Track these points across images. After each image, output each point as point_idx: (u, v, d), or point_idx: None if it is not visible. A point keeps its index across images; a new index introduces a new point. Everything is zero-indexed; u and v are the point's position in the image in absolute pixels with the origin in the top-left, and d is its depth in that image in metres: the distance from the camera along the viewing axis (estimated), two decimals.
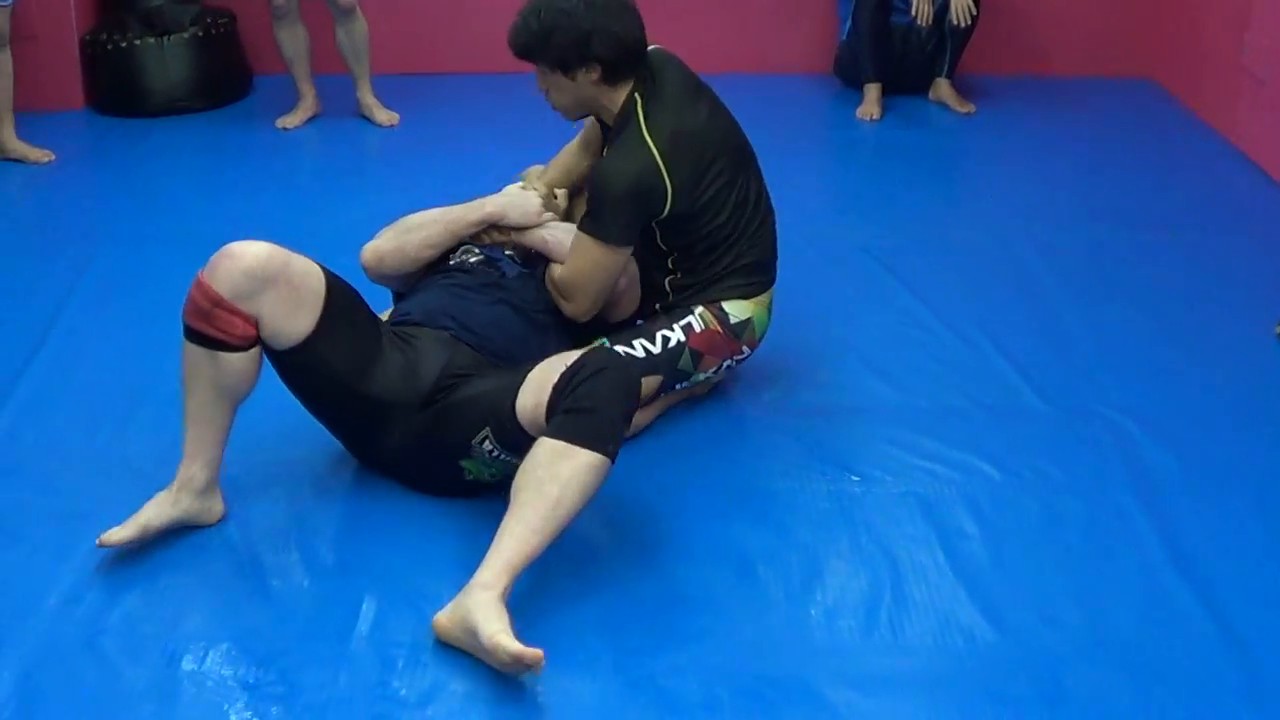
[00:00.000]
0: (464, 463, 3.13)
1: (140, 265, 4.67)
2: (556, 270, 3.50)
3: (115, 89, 6.47)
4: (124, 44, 6.38)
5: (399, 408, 3.14)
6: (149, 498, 3.07)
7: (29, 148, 5.81)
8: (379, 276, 3.68)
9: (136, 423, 3.60)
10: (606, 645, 2.77)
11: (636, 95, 3.42)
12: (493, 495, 3.11)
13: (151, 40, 6.38)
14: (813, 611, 2.90)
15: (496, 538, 2.77)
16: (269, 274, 2.97)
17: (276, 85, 6.46)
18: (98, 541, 2.94)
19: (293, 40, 6.09)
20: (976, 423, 3.64)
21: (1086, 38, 7.05)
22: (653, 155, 3.35)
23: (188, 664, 2.72)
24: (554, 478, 2.77)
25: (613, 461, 2.82)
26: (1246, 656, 2.79)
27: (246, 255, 2.97)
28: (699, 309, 3.54)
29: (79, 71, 6.53)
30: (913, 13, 6.25)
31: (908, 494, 3.31)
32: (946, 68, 6.50)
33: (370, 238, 4.01)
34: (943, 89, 6.53)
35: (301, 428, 3.46)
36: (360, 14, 6.07)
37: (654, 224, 3.46)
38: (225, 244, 3.02)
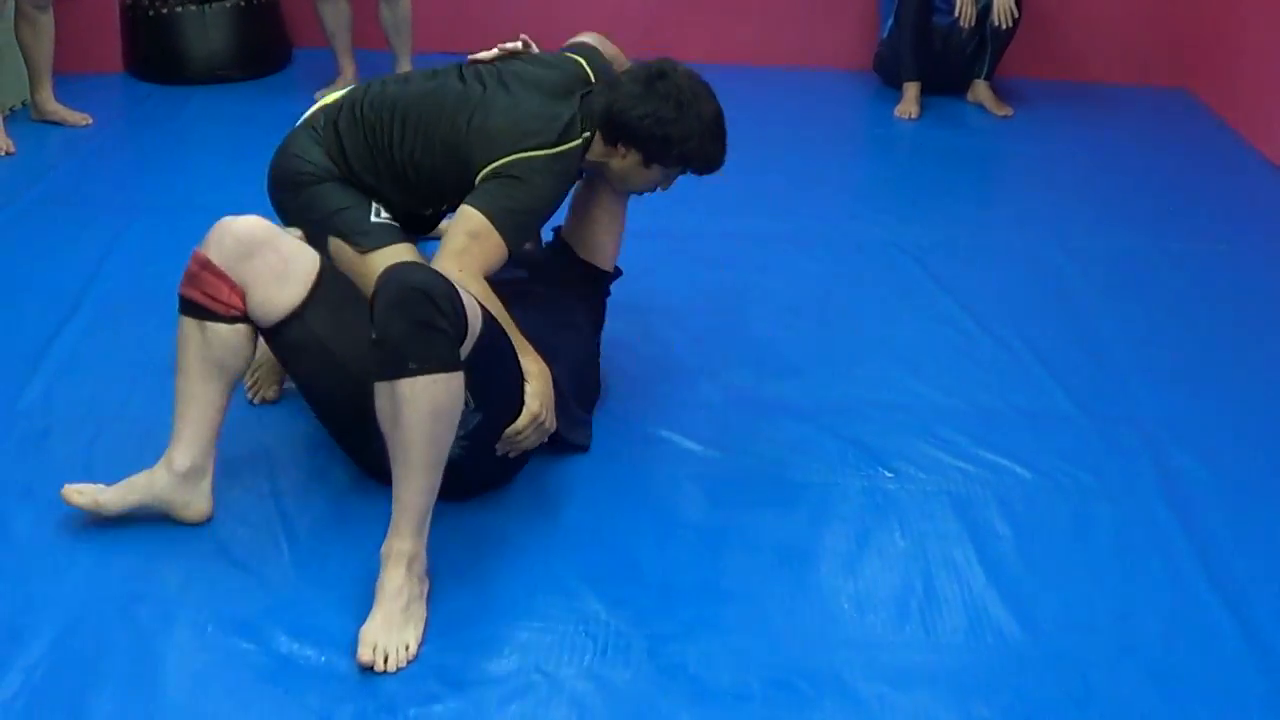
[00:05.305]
0: None
1: (176, 233, 4.64)
2: None
3: (155, 54, 6.50)
4: (165, 10, 6.40)
5: None
6: None
7: (68, 110, 5.83)
8: None
9: (171, 390, 3.58)
10: (640, 632, 2.78)
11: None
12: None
13: (193, 7, 6.40)
14: (845, 605, 2.91)
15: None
16: (257, 240, 2.99)
17: (316, 58, 6.48)
18: (61, 492, 2.97)
19: (335, 13, 6.11)
20: (1010, 424, 3.64)
21: (1123, 46, 7.07)
22: None
23: (220, 633, 2.74)
24: (394, 422, 2.72)
25: (427, 373, 2.69)
26: (1273, 665, 2.79)
27: (237, 222, 3.00)
28: None
29: (119, 36, 6.56)
30: (955, 13, 6.26)
31: (940, 492, 3.32)
32: (986, 69, 6.50)
33: None
34: (981, 91, 6.53)
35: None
36: None
37: None
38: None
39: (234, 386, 3.05)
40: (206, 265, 2.98)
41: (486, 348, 2.89)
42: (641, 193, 3.54)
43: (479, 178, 3.26)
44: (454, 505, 3.14)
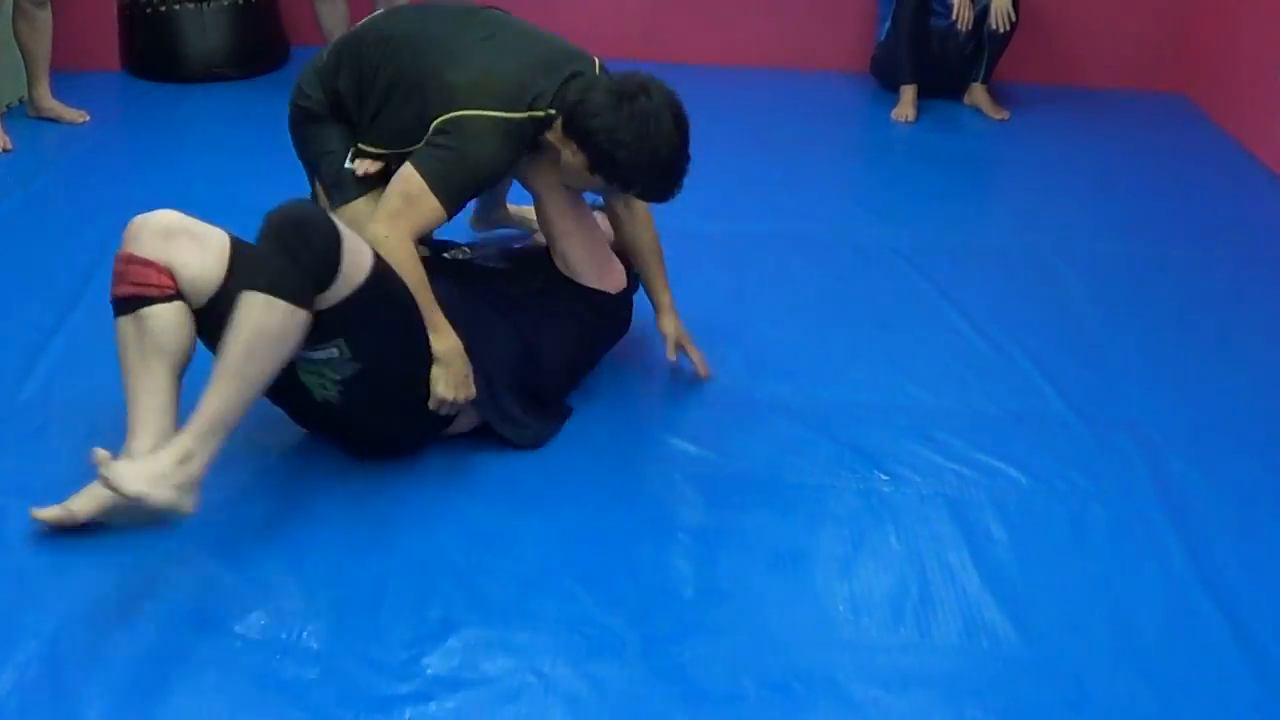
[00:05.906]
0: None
1: None
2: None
3: (152, 52, 6.50)
4: (163, 8, 6.40)
5: None
6: None
7: (64, 107, 5.83)
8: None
9: None
10: (635, 633, 2.78)
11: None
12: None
13: (191, 5, 6.40)
14: (840, 607, 2.92)
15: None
16: (173, 228, 3.05)
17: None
18: (31, 513, 2.96)
19: (332, 13, 6.10)
20: (1005, 428, 3.64)
21: (1121, 51, 7.09)
22: None
23: (214, 632, 2.73)
24: (226, 328, 2.84)
25: (268, 293, 2.83)
26: (1266, 669, 2.80)
27: (150, 217, 3.07)
28: None
29: (117, 33, 6.55)
30: (953, 16, 6.27)
31: (936, 495, 3.33)
32: (983, 73, 6.52)
33: None
34: (978, 94, 6.54)
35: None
36: None
37: None
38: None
39: (181, 371, 3.05)
40: (131, 259, 3.03)
41: (368, 303, 2.98)
42: (581, 191, 3.55)
43: (432, 126, 3.31)
44: (451, 505, 3.17)
